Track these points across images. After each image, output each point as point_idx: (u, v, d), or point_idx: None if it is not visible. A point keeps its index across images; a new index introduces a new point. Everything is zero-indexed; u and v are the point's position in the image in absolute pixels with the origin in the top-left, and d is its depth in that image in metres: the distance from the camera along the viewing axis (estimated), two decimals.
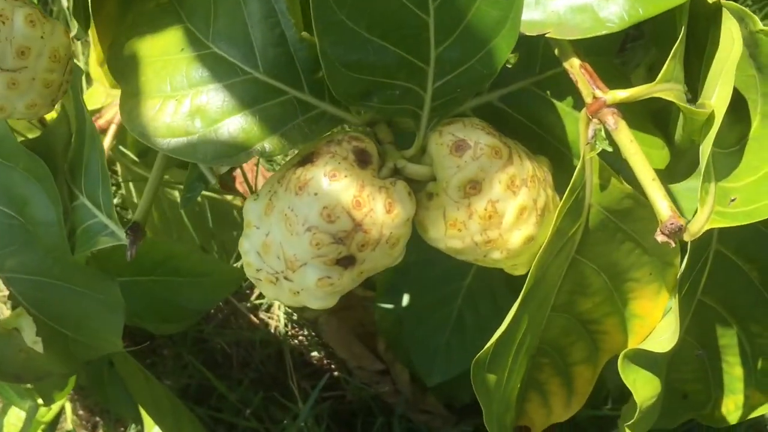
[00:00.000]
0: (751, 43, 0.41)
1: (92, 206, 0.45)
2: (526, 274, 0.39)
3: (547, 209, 0.38)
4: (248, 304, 1.18)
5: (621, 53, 1.08)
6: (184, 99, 0.36)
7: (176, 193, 1.05)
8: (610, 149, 0.37)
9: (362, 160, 0.36)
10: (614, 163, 0.40)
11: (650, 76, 0.50)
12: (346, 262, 0.35)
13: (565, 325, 0.49)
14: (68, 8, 0.44)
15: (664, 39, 0.43)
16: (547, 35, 0.35)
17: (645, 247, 0.43)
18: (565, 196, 0.37)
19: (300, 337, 1.17)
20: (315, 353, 1.14)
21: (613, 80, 0.40)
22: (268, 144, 0.35)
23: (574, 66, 0.37)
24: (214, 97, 0.36)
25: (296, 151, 0.38)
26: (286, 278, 0.36)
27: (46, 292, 0.50)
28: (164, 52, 0.37)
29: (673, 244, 0.35)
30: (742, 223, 0.37)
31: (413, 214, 0.37)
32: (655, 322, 0.48)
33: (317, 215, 0.34)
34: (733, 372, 0.54)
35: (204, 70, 0.36)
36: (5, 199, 0.48)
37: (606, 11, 0.35)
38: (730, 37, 0.40)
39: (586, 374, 0.52)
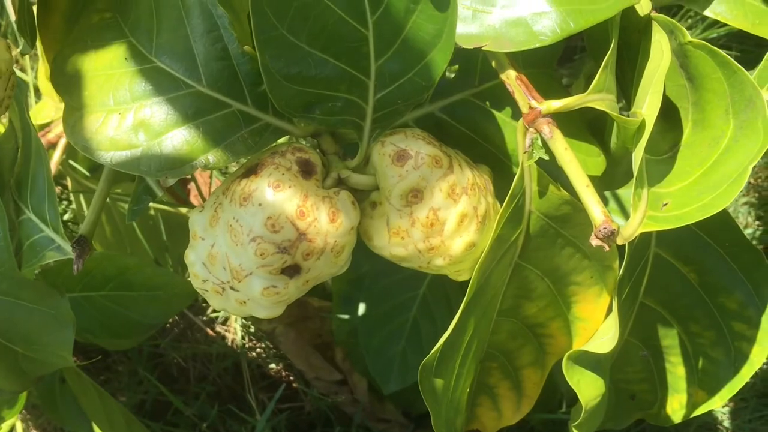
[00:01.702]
0: (681, 54, 0.43)
1: (38, 221, 0.44)
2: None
3: (487, 216, 0.39)
4: (204, 318, 1.17)
5: (570, 63, 1.10)
6: (127, 113, 0.36)
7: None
8: (546, 157, 0.38)
9: (306, 170, 0.36)
10: (552, 170, 0.41)
11: (588, 87, 0.52)
12: (292, 271, 0.36)
13: (512, 330, 0.50)
14: (15, 22, 0.44)
15: (599, 51, 0.44)
16: (483, 48, 0.37)
17: (585, 251, 0.45)
18: (504, 203, 0.38)
19: (257, 350, 1.17)
20: (273, 365, 1.14)
21: (550, 91, 0.42)
22: (212, 156, 0.36)
23: (510, 77, 0.38)
24: (157, 111, 0.36)
25: (242, 162, 0.39)
26: (232, 288, 0.36)
27: None
28: (108, 66, 0.37)
29: (607, 248, 0.36)
30: (674, 226, 0.39)
31: (357, 222, 0.37)
32: (598, 325, 0.49)
33: (261, 225, 0.35)
34: (677, 371, 0.56)
35: (147, 83, 0.36)
36: None
37: (539, 25, 0.37)
38: (660, 49, 0.42)
39: (534, 377, 0.53)
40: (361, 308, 0.94)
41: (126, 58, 0.36)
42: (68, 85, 0.37)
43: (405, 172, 0.36)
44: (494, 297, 0.45)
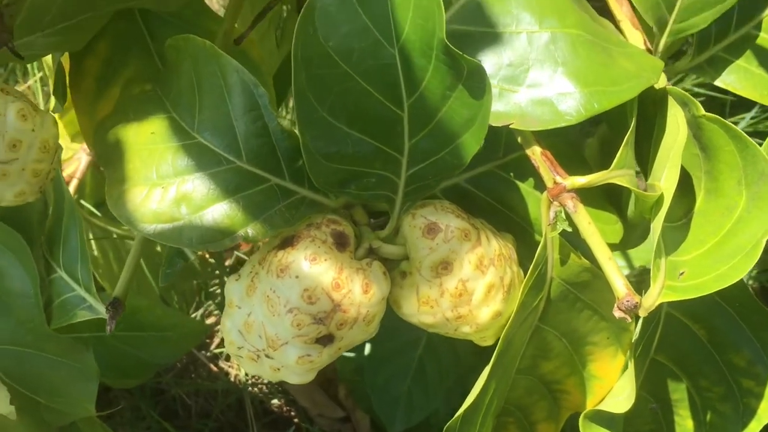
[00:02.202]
0: (694, 125, 0.45)
1: (70, 280, 0.45)
2: (495, 344, 0.41)
3: (512, 285, 0.40)
4: (208, 353, 1.17)
5: None
6: (170, 187, 0.37)
7: None
8: (569, 229, 0.40)
9: (340, 242, 0.38)
10: (571, 238, 0.43)
11: (602, 150, 0.54)
12: (325, 340, 0.37)
13: (529, 386, 0.51)
14: (37, 80, 0.45)
15: (615, 121, 0.46)
16: (511, 126, 0.38)
17: (602, 314, 0.46)
18: (528, 272, 0.40)
19: (260, 386, 1.17)
20: (276, 401, 1.14)
21: (569, 161, 0.43)
22: (251, 229, 0.37)
23: (536, 153, 0.40)
24: (199, 185, 0.37)
25: None
26: (267, 356, 0.37)
27: (19, 361, 0.51)
28: (151, 141, 0.38)
29: (630, 320, 0.38)
30: (692, 297, 0.40)
31: (388, 292, 0.39)
32: (613, 382, 0.51)
33: (298, 297, 0.36)
34: (685, 424, 0.57)
35: (189, 159, 0.38)
36: None
37: (564, 105, 0.39)
38: (676, 123, 0.43)
39: (548, 431, 0.54)
40: (367, 347, 0.95)
41: (169, 134, 0.38)
42: (111, 156, 0.39)
43: (435, 244, 0.38)
44: (514, 357, 0.46)
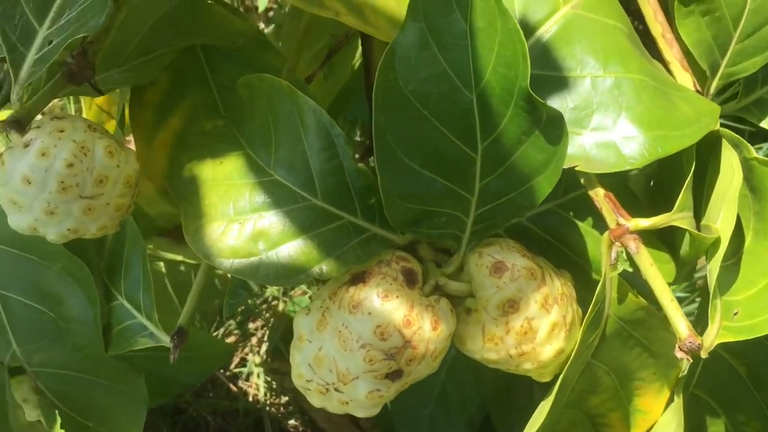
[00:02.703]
0: (745, 167, 0.46)
1: (132, 308, 0.46)
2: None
3: (573, 323, 0.41)
4: (227, 373, 1.18)
5: None
6: (247, 222, 0.38)
7: (161, 264, 1.06)
8: (630, 270, 0.40)
9: (410, 279, 0.39)
10: (628, 276, 0.44)
11: (648, 186, 0.55)
12: (395, 375, 0.38)
13: (574, 419, 0.52)
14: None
15: (669, 162, 0.47)
16: (575, 168, 0.39)
17: (652, 351, 0.47)
18: (588, 311, 0.41)
19: (279, 406, 1.17)
20: (293, 422, 1.15)
21: (625, 201, 0.44)
22: (325, 266, 0.38)
23: (599, 195, 0.41)
24: (275, 222, 0.38)
25: None
26: (336, 390, 0.38)
27: (72, 386, 0.51)
28: (227, 177, 0.39)
29: (691, 360, 0.39)
30: (748, 338, 0.41)
31: (454, 329, 0.40)
32: (656, 417, 0.52)
33: (371, 333, 0.37)
34: None
35: (266, 195, 0.39)
36: (37, 297, 0.49)
37: (628, 149, 0.40)
38: (730, 166, 0.44)
39: None
40: None
41: (245, 170, 0.39)
42: (186, 191, 0.40)
43: (502, 283, 0.39)
44: (567, 392, 0.47)
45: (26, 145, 0.37)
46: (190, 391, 1.16)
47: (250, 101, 0.42)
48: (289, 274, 0.38)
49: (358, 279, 0.39)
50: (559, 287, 0.40)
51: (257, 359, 1.16)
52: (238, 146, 0.41)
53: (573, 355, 0.40)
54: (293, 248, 0.38)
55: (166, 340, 0.45)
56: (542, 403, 0.44)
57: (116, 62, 0.42)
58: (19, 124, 0.38)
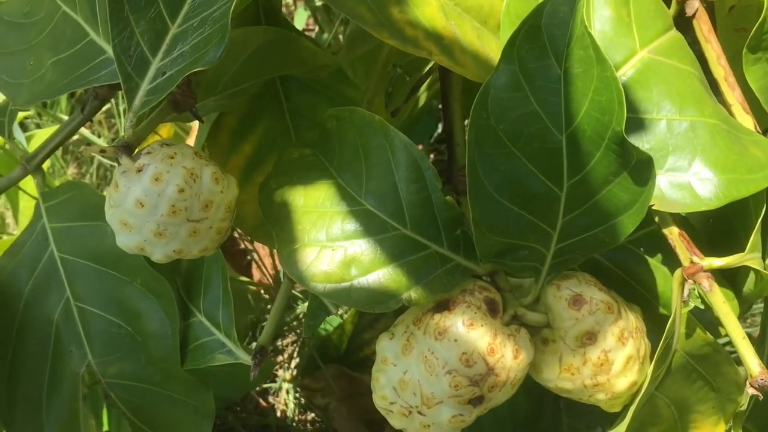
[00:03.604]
0: None
1: (210, 325, 0.48)
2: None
3: (645, 357, 0.43)
4: (258, 388, 1.19)
5: None
6: (338, 249, 0.40)
7: None
8: (702, 307, 0.42)
9: (492, 309, 0.40)
10: (694, 312, 0.45)
11: (708, 224, 0.56)
12: (477, 401, 0.40)
13: None
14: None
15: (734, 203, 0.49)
16: (653, 207, 0.41)
17: (713, 385, 0.48)
18: (660, 345, 0.42)
19: (307, 423, 1.19)
20: None
21: (689, 237, 0.46)
22: (414, 293, 0.40)
23: (673, 233, 0.42)
24: (367, 249, 0.40)
25: None
26: (419, 413, 0.40)
27: (143, 398, 0.53)
28: (319, 205, 0.41)
29: (762, 396, 0.40)
30: None
31: (533, 358, 0.41)
32: None
33: (457, 360, 0.39)
34: None
35: (358, 224, 0.40)
36: (116, 310, 0.51)
37: (703, 190, 0.41)
38: None
39: None
40: None
41: (337, 199, 0.41)
42: (278, 217, 0.42)
43: (581, 316, 0.40)
44: (634, 422, 0.48)
45: (139, 170, 0.39)
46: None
47: (338, 133, 0.44)
48: (379, 299, 0.39)
49: (443, 307, 0.40)
50: (633, 321, 0.42)
51: (287, 375, 1.18)
52: (328, 175, 0.43)
53: (647, 387, 0.42)
54: (383, 275, 0.40)
55: (246, 358, 0.47)
56: None
57: (213, 92, 0.44)
58: (129, 149, 0.40)
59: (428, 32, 0.41)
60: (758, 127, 0.52)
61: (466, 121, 0.40)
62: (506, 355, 0.39)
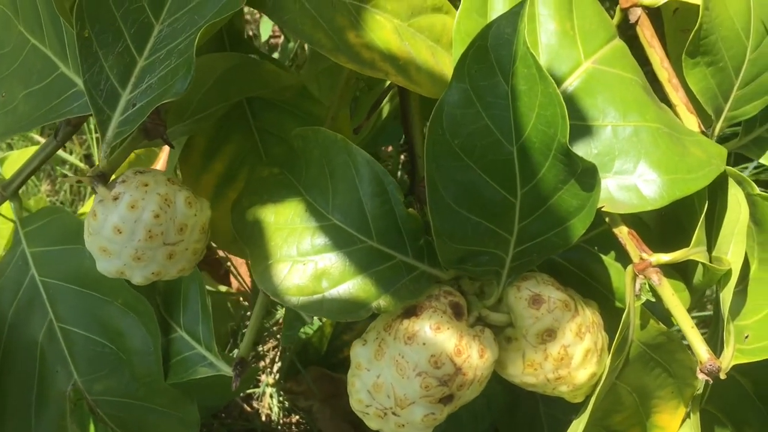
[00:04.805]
0: (749, 202, 0.50)
1: (191, 339, 0.50)
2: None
3: (603, 349, 0.46)
4: (242, 394, 1.21)
5: None
6: (309, 263, 0.42)
7: None
8: (653, 300, 0.45)
9: (457, 312, 0.43)
10: (648, 304, 0.48)
11: (660, 220, 0.59)
12: (447, 400, 0.42)
13: None
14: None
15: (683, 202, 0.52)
16: (602, 209, 0.44)
17: (670, 371, 0.51)
18: (616, 337, 0.45)
19: (292, 426, 1.21)
20: None
21: (639, 232, 0.49)
22: (383, 301, 0.42)
23: (623, 232, 0.45)
24: (336, 262, 0.42)
25: None
26: (394, 414, 0.42)
27: (129, 412, 0.55)
28: (289, 222, 0.44)
29: (711, 381, 0.43)
30: (759, 359, 0.46)
31: (497, 356, 0.44)
32: None
33: (426, 362, 0.41)
34: None
35: (326, 238, 0.43)
36: (99, 330, 0.53)
37: (649, 191, 0.44)
38: (737, 202, 0.49)
39: None
40: None
41: (306, 215, 0.43)
42: (251, 234, 0.44)
43: (540, 314, 0.43)
44: (596, 411, 0.51)
45: (116, 198, 0.41)
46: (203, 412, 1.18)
47: (304, 151, 0.46)
48: (351, 309, 0.42)
49: (411, 312, 0.43)
50: (589, 316, 0.45)
51: (270, 380, 1.20)
52: (296, 193, 0.45)
53: (606, 377, 0.45)
54: (353, 286, 0.42)
55: (227, 369, 0.49)
56: (575, 422, 0.48)
57: (182, 118, 0.46)
58: (105, 178, 0.42)
59: (384, 54, 0.43)
60: (702, 126, 0.56)
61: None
62: (472, 355, 0.42)
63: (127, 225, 0.41)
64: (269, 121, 0.56)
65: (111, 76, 0.40)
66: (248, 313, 1.23)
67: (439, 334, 0.41)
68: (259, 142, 0.57)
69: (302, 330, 1.19)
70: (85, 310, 0.53)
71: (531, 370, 0.44)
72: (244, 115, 0.56)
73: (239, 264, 1.23)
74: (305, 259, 0.43)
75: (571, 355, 0.44)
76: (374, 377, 0.42)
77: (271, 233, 0.43)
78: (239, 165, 0.56)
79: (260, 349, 1.22)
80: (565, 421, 1.09)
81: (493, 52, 0.39)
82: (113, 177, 0.43)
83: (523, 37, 0.38)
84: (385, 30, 0.44)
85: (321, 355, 1.18)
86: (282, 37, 1.37)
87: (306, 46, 1.15)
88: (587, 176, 0.39)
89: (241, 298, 1.21)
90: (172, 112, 0.45)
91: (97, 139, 1.22)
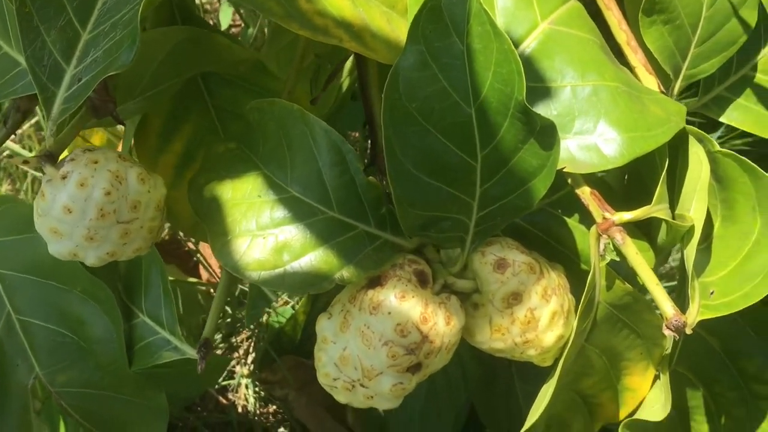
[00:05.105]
0: (711, 159, 0.51)
1: (154, 324, 0.49)
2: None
3: (569, 311, 0.45)
4: (216, 386, 1.20)
5: None
6: (269, 237, 0.42)
7: None
8: (617, 259, 0.45)
9: (422, 280, 0.42)
10: (614, 265, 0.48)
11: (623, 181, 0.59)
12: (415, 368, 0.42)
13: (568, 400, 0.56)
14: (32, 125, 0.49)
15: (641, 157, 0.52)
16: (563, 170, 0.44)
17: (638, 332, 0.51)
18: (582, 299, 0.45)
19: (269, 416, 1.20)
20: (283, 429, 1.17)
21: (603, 194, 0.49)
22: (346, 272, 0.41)
23: (585, 193, 0.45)
24: (297, 234, 0.42)
25: None
26: (362, 385, 0.42)
27: (94, 403, 0.54)
28: (248, 196, 0.43)
29: (678, 336, 0.43)
30: (725, 314, 0.46)
31: (464, 322, 0.43)
32: (644, 393, 0.56)
33: (392, 331, 0.40)
34: (701, 429, 0.62)
35: (286, 211, 0.42)
36: (58, 319, 0.52)
37: (609, 150, 0.44)
38: (698, 160, 0.49)
39: None
40: None
41: (264, 189, 0.42)
42: (209, 211, 0.43)
43: (506, 278, 0.43)
44: (564, 374, 0.51)
45: (64, 177, 0.40)
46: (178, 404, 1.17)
47: (260, 124, 0.45)
48: (313, 282, 0.41)
49: (375, 282, 0.42)
50: (555, 279, 0.45)
51: (245, 371, 1.18)
52: (254, 167, 0.44)
53: (573, 339, 0.44)
54: (315, 258, 0.41)
55: (191, 352, 0.48)
56: (544, 386, 0.48)
57: (132, 94, 0.45)
58: (52, 158, 0.40)
59: (337, 20, 0.42)
60: (662, 87, 0.56)
61: None
62: (439, 323, 0.41)
63: (77, 204, 0.39)
64: (226, 98, 0.55)
65: (54, 51, 0.39)
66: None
67: (404, 303, 0.41)
68: (217, 119, 0.56)
69: (275, 319, 1.18)
70: (43, 300, 0.52)
71: (498, 335, 0.44)
72: (200, 94, 0.55)
73: (209, 255, 1.21)
74: (265, 232, 0.42)
75: (538, 317, 0.43)
76: (340, 350, 0.42)
77: (229, 209, 0.42)
78: (198, 144, 0.55)
79: (234, 340, 1.20)
80: None
81: (447, 12, 0.38)
82: (62, 156, 0.41)
83: None
84: None
85: (295, 343, 1.17)
86: (243, 26, 1.35)
87: (266, 30, 1.14)
88: (546, 134, 0.39)
89: (211, 290, 1.19)
90: (123, 88, 0.44)
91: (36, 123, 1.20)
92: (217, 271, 1.18)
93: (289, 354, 1.15)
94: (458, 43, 0.39)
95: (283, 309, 1.20)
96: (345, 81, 0.66)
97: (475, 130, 0.40)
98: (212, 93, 0.55)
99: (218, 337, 1.18)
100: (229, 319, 1.19)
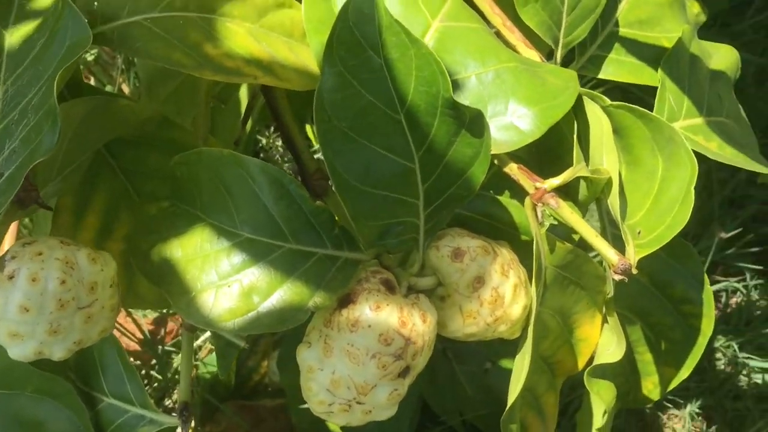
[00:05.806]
0: (606, 113, 0.55)
1: (121, 403, 0.47)
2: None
3: (526, 281, 0.48)
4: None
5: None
6: (234, 283, 0.41)
7: None
8: (556, 223, 0.48)
9: (389, 287, 0.44)
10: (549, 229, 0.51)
11: (532, 152, 0.63)
12: (405, 372, 0.43)
13: (532, 365, 0.59)
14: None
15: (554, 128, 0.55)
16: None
17: (581, 285, 0.55)
18: (533, 267, 0.48)
19: None
20: None
21: (529, 164, 0.52)
22: (318, 298, 0.42)
23: (513, 169, 0.48)
24: (260, 274, 0.42)
25: None
26: (358, 402, 0.42)
27: None
28: (199, 249, 0.42)
29: (626, 279, 0.47)
30: (658, 247, 0.50)
31: (437, 317, 0.45)
32: (596, 340, 0.60)
33: (376, 342, 0.41)
34: (645, 359, 0.67)
35: (244, 254, 0.42)
36: (15, 428, 0.49)
37: (524, 125, 0.47)
38: (596, 116, 0.53)
39: (551, 400, 0.62)
40: None
41: (215, 239, 0.42)
42: (163, 273, 0.42)
43: (465, 265, 0.45)
44: (536, 341, 0.54)
45: (11, 277, 0.38)
46: None
47: (190, 177, 0.44)
48: (288, 316, 0.41)
49: (347, 301, 0.43)
50: (507, 255, 0.47)
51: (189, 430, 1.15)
52: (197, 219, 0.43)
53: (535, 306, 0.47)
54: (285, 292, 0.42)
55: (172, 420, 0.46)
56: (518, 357, 0.50)
57: (51, 177, 0.43)
58: None
59: (246, 59, 0.42)
60: (543, 59, 0.59)
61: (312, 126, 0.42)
62: (417, 323, 0.43)
63: (34, 300, 0.38)
64: (132, 160, 0.54)
65: None
66: (151, 372, 1.18)
67: (380, 313, 0.42)
68: (128, 183, 0.54)
69: (205, 370, 1.15)
70: None
71: (471, 320, 0.45)
72: (104, 161, 0.53)
73: (124, 323, 1.16)
74: (228, 280, 0.41)
75: (503, 294, 0.45)
76: (329, 374, 0.42)
77: (184, 266, 0.42)
78: (115, 212, 0.53)
79: (167, 402, 1.16)
80: (480, 372, 1.14)
81: (358, 30, 0.39)
82: None
83: (383, 7, 0.38)
84: (239, 36, 0.43)
85: (231, 389, 1.15)
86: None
87: (124, 85, 1.11)
88: (475, 123, 0.41)
89: (132, 359, 1.14)
90: (40, 173, 0.42)
91: None
92: (138, 336, 1.14)
93: (228, 400, 1.13)
94: (375, 57, 0.40)
95: (210, 357, 1.18)
96: (252, 113, 0.66)
97: (408, 135, 0.41)
98: (117, 157, 0.54)
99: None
100: (156, 384, 1.15)
